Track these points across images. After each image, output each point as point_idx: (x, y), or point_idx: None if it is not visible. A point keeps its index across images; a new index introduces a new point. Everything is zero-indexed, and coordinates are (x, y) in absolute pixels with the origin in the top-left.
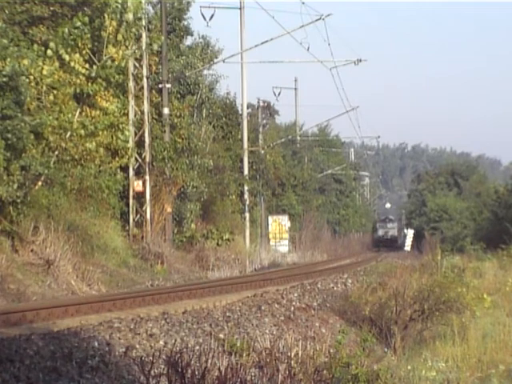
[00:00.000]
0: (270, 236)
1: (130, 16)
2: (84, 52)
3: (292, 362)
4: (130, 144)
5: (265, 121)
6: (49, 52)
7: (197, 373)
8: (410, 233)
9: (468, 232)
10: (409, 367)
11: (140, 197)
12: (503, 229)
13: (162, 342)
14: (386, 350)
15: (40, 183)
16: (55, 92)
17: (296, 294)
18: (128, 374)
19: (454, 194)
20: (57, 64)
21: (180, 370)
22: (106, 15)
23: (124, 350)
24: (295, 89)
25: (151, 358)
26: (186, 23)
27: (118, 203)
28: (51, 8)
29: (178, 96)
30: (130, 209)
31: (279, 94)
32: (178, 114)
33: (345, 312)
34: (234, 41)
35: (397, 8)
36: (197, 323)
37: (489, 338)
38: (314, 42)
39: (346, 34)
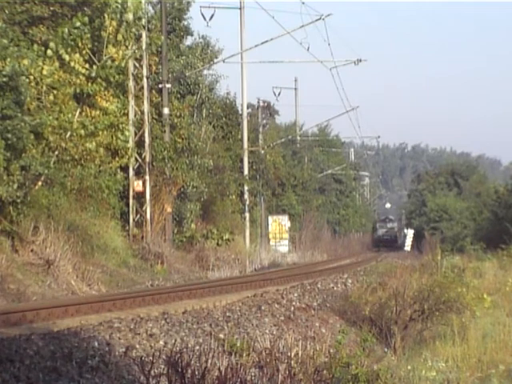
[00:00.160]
0: (270, 236)
1: (129, 16)
2: (84, 52)
3: (292, 362)
4: (130, 144)
5: (265, 121)
6: (49, 52)
7: (197, 373)
8: (409, 233)
9: (468, 232)
10: (409, 367)
11: (140, 197)
12: (503, 229)
13: (161, 342)
14: (386, 349)
15: (40, 183)
16: (55, 92)
17: (296, 294)
18: (128, 374)
19: (454, 194)
20: (57, 64)
21: (180, 369)
22: (106, 15)
23: (124, 350)
24: (295, 89)
25: (151, 358)
26: (186, 23)
27: (118, 203)
28: (51, 8)
29: (178, 96)
30: (130, 209)
31: (279, 94)
32: (178, 114)
33: (345, 312)
34: (234, 41)
35: (397, 8)
36: (197, 323)
37: (489, 338)
38: (313, 42)
39: (346, 34)
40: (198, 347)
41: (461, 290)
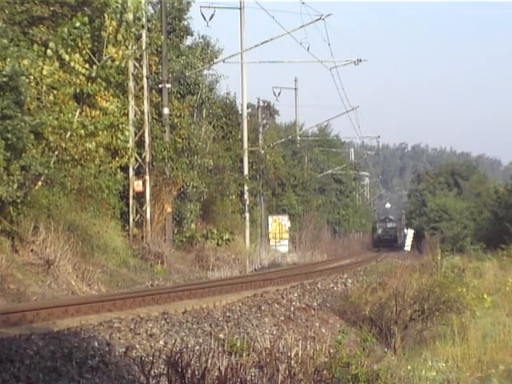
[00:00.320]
0: (270, 236)
1: (129, 16)
2: (84, 52)
3: (292, 362)
4: (130, 144)
5: (265, 121)
6: (49, 52)
7: (197, 373)
8: (409, 233)
9: (468, 232)
10: (409, 367)
11: (140, 197)
12: (503, 229)
13: (162, 342)
14: (386, 349)
15: (40, 183)
16: (55, 92)
17: (296, 294)
18: (128, 374)
19: (454, 194)
20: (57, 64)
21: (180, 369)
22: (105, 15)
23: (124, 350)
24: (295, 89)
25: (151, 358)
26: (186, 23)
27: (118, 203)
28: (51, 8)
29: (178, 96)
30: (130, 209)
31: (279, 94)
32: (178, 114)
33: (345, 312)
34: (234, 41)
35: (397, 8)
36: (197, 323)
37: (489, 338)
38: (313, 42)
39: (346, 34)
40: (198, 347)
41: (461, 290)
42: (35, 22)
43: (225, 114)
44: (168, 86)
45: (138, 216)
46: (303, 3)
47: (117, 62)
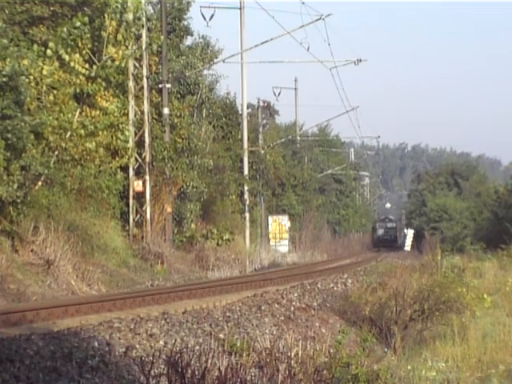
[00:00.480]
0: (270, 236)
1: (129, 16)
2: (84, 52)
3: (292, 362)
4: (130, 144)
5: (265, 121)
6: (48, 52)
7: (197, 373)
8: (409, 233)
9: (468, 232)
10: (409, 367)
11: (140, 197)
12: (503, 229)
13: (162, 342)
14: (386, 349)
15: (40, 183)
16: (55, 92)
17: (296, 294)
18: (128, 374)
19: (454, 194)
20: (57, 64)
21: (180, 369)
22: (105, 15)
23: (124, 350)
24: (295, 89)
25: (151, 358)
26: (186, 23)
27: (118, 203)
28: (51, 8)
29: (178, 96)
30: (130, 209)
31: (279, 94)
32: (178, 114)
33: (345, 312)
34: (234, 41)
35: (397, 8)
36: (197, 323)
37: (489, 338)
38: (314, 42)
39: (346, 34)
40: (198, 347)
41: (461, 290)
42: (35, 22)
43: (225, 114)
44: (168, 86)
45: (138, 216)
46: (303, 3)
47: (117, 62)
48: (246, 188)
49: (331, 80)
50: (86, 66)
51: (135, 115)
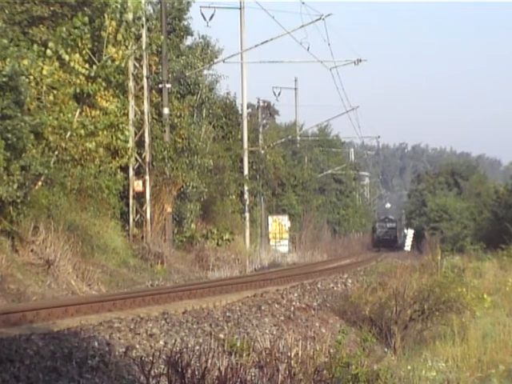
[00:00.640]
0: (270, 236)
1: (129, 16)
2: (84, 52)
3: (292, 362)
4: (130, 144)
5: (265, 121)
6: (48, 52)
7: (197, 373)
8: (409, 233)
9: (468, 232)
10: (409, 367)
11: (140, 197)
12: (503, 229)
13: (162, 342)
14: (386, 349)
15: (40, 183)
16: (55, 92)
17: (296, 294)
18: (128, 374)
19: (454, 194)
20: (57, 64)
21: (180, 369)
22: (105, 15)
23: (124, 350)
24: (295, 89)
25: (151, 358)
26: (186, 23)
27: (118, 203)
28: (51, 8)
29: (178, 96)
30: (130, 209)
31: (279, 94)
32: (178, 114)
33: (345, 312)
34: (234, 41)
35: (397, 8)
36: (197, 323)
37: (489, 338)
38: (314, 42)
39: (346, 34)
40: (198, 347)
41: (461, 290)
42: (35, 22)
43: (225, 114)
44: (168, 86)
45: (138, 216)
46: (303, 3)
47: (117, 62)
48: (246, 188)
49: (331, 80)
50: (86, 65)
51: (135, 115)
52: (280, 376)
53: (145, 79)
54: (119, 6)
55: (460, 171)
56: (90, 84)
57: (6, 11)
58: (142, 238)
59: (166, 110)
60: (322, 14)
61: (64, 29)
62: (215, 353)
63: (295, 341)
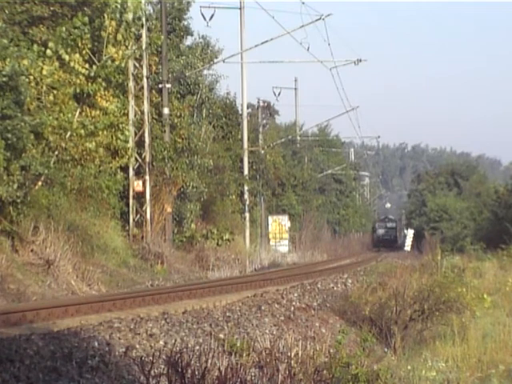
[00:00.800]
0: (270, 236)
1: (129, 16)
2: (84, 52)
3: (292, 362)
4: (130, 144)
5: (265, 121)
6: (48, 52)
7: (197, 373)
8: (409, 233)
9: (468, 232)
10: (409, 367)
11: (140, 197)
12: (503, 229)
13: (162, 342)
14: (386, 349)
15: (40, 183)
16: (55, 92)
17: (296, 294)
18: (128, 374)
19: (454, 194)
20: (57, 64)
21: (180, 369)
22: (105, 15)
23: (124, 350)
24: (295, 89)
25: (151, 358)
26: (186, 23)
27: (118, 203)
28: (51, 8)
29: (178, 96)
30: (130, 209)
31: (279, 94)
32: (178, 114)
33: (345, 312)
34: (234, 41)
35: (397, 8)
36: (197, 323)
37: (489, 338)
38: (314, 42)
39: (346, 34)
40: (198, 347)
41: (461, 290)
42: (35, 22)
43: (225, 114)
44: (168, 86)
45: (138, 216)
46: (303, 3)
47: (117, 62)
48: (246, 188)
49: (331, 80)
50: (86, 66)
51: (135, 115)
52: (280, 376)
53: (145, 79)
54: (119, 6)
55: (460, 171)
56: (90, 84)
57: (6, 11)
58: (142, 238)
59: (166, 110)
60: (322, 13)
61: (64, 29)
62: (215, 353)
63: (295, 341)
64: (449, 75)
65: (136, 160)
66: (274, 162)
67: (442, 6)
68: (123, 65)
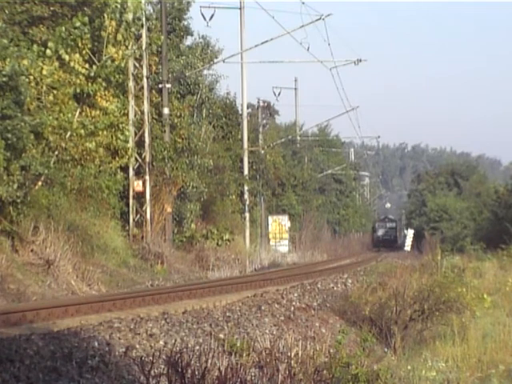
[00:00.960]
0: (270, 236)
1: (129, 16)
2: (84, 52)
3: (292, 362)
4: (130, 144)
5: (265, 121)
6: (48, 52)
7: (197, 373)
8: (409, 233)
9: (468, 232)
10: (409, 367)
11: (140, 197)
12: (503, 229)
13: (162, 342)
14: (386, 349)
15: (40, 183)
16: (55, 92)
17: (296, 294)
18: (128, 374)
19: (454, 194)
20: (56, 64)
21: (180, 369)
22: (105, 15)
23: (124, 350)
24: (295, 89)
25: (151, 358)
26: (186, 23)
27: (118, 203)
28: (51, 8)
29: (178, 96)
30: (130, 209)
31: (279, 94)
32: (178, 114)
33: (345, 312)
34: (234, 41)
35: (397, 8)
36: (197, 323)
37: (489, 338)
38: (313, 42)
39: (346, 34)
40: (198, 347)
41: (461, 290)
42: (35, 21)
43: (225, 114)
44: (168, 86)
45: (138, 216)
46: (303, 3)
47: (117, 62)
48: (246, 188)
49: (331, 80)
50: (86, 65)
51: (135, 115)
52: (280, 376)
53: (145, 79)
54: (119, 6)
55: (460, 171)
56: (90, 84)
57: (6, 11)
58: (142, 238)
59: (166, 110)
60: (322, 13)
61: (64, 29)
62: (215, 353)
63: (295, 341)
64: (449, 75)
65: (136, 160)
66: (274, 161)
67: (442, 5)
68: (123, 65)
